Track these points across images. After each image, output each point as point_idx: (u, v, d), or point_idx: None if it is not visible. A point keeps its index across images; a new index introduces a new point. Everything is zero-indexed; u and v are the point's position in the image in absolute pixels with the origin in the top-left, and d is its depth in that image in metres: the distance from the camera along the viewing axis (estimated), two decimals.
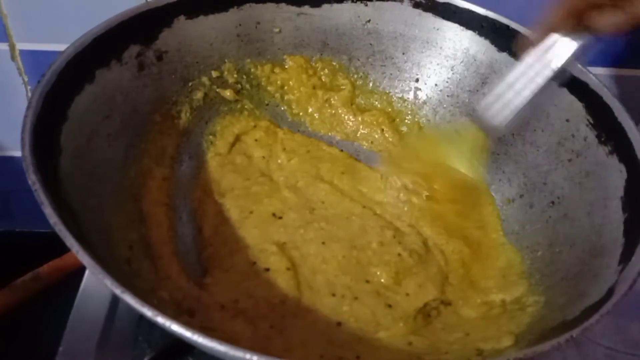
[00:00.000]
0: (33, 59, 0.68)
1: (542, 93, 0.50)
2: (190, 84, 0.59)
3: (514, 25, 0.57)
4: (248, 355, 0.29)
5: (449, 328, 0.46)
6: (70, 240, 0.33)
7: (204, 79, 0.60)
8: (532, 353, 0.32)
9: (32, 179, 0.36)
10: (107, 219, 0.46)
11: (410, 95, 0.65)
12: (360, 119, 0.65)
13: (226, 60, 0.61)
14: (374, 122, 0.64)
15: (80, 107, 0.47)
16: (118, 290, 0.31)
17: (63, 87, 0.46)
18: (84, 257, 0.33)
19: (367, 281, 0.49)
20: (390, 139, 0.64)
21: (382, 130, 0.64)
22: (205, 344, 0.29)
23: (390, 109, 0.65)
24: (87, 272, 0.58)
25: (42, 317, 0.71)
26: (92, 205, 0.44)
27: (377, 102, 0.65)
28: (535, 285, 0.48)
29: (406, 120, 0.65)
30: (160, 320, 0.30)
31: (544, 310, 0.43)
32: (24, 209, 0.83)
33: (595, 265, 0.43)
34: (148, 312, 0.30)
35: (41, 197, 0.36)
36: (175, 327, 0.30)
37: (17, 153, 0.76)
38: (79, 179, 0.44)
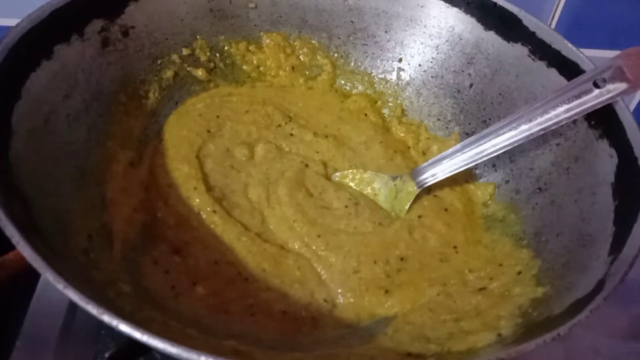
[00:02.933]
0: None
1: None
2: (159, 61, 0.56)
3: (501, 2, 0.55)
4: (203, 358, 0.26)
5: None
6: (10, 230, 0.30)
7: (174, 57, 0.57)
8: (516, 353, 0.30)
9: None
10: (65, 206, 0.43)
11: (393, 76, 0.62)
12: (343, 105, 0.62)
13: (198, 37, 0.58)
14: (357, 108, 0.61)
15: (36, 85, 0.44)
16: (60, 285, 0.28)
17: (16, 63, 0.43)
18: (24, 249, 0.30)
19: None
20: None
21: (366, 115, 0.61)
22: (155, 344, 0.27)
23: (372, 91, 0.62)
24: None
25: (8, 305, 0.67)
26: (47, 191, 0.41)
27: (359, 83, 0.62)
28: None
29: (389, 103, 0.62)
30: (106, 319, 0.27)
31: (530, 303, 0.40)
32: None
33: (583, 256, 0.41)
34: (93, 309, 0.27)
35: None
36: (123, 327, 0.27)
37: None
38: (33, 163, 0.41)
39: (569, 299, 0.36)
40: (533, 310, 0.39)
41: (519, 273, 0.45)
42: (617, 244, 0.38)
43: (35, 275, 0.54)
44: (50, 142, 0.44)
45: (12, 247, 0.64)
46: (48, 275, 0.28)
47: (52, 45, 0.46)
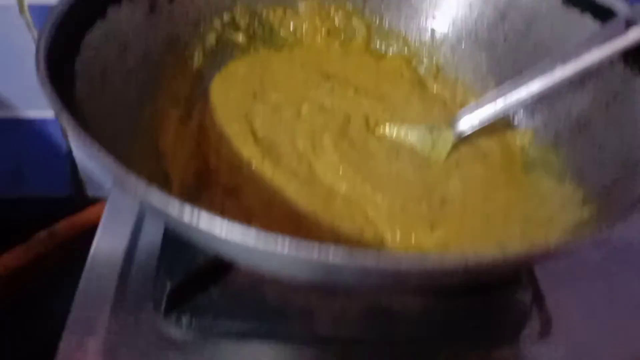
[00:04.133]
0: (42, 13, 0.67)
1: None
2: (202, 26, 0.58)
3: None
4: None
5: None
6: (75, 129, 0.32)
7: (216, 22, 0.59)
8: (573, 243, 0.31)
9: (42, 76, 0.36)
10: (123, 152, 0.45)
11: (427, 35, 0.63)
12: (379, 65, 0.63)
13: (238, 3, 0.60)
14: (393, 68, 0.63)
15: (92, 42, 0.46)
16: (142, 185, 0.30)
17: (75, 19, 0.45)
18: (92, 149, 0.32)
19: None
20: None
21: (402, 74, 0.63)
22: (234, 234, 0.28)
23: (407, 51, 0.64)
24: (101, 224, 0.57)
25: (59, 274, 0.70)
26: (107, 135, 0.43)
27: (394, 44, 0.64)
28: None
29: (424, 62, 0.63)
30: (187, 211, 0.29)
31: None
32: (37, 173, 0.83)
33: (628, 179, 0.41)
34: (174, 207, 0.29)
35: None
36: (204, 216, 0.29)
37: (29, 114, 0.75)
38: (93, 106, 0.43)
39: (615, 213, 0.37)
40: (581, 229, 0.40)
41: (563, 204, 0.46)
42: None
43: (86, 244, 0.56)
44: (107, 95, 0.46)
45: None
46: (129, 179, 0.30)
47: (105, 6, 0.49)
